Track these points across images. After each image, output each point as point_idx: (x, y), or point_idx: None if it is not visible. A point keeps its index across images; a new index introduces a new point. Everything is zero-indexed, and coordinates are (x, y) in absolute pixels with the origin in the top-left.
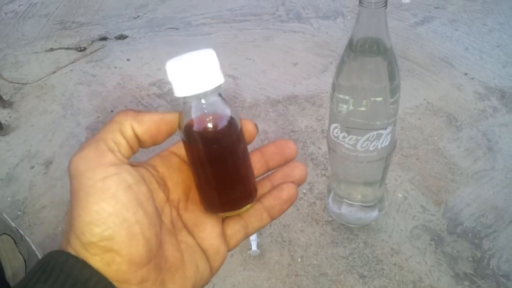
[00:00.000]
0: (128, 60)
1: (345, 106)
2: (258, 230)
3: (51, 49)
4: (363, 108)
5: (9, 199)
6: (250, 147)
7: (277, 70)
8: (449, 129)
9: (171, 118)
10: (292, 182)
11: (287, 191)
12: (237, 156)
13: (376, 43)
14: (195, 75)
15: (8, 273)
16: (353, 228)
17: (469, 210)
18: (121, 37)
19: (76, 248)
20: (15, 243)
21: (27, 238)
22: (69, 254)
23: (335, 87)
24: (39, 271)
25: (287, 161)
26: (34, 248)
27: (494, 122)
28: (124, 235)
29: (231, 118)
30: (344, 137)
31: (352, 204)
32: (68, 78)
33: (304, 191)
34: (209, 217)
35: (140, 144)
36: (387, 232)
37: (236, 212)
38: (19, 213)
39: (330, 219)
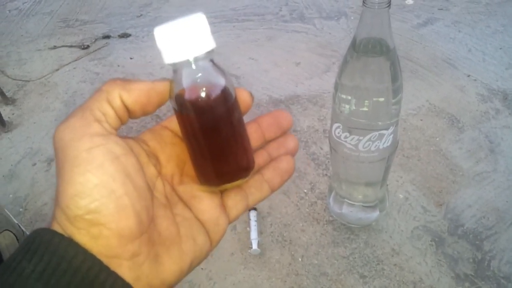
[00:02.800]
0: (131, 58)
1: (347, 106)
2: (259, 202)
3: (54, 47)
4: (365, 108)
5: (11, 195)
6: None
7: (280, 70)
8: (451, 130)
9: (162, 86)
10: (288, 153)
11: (286, 162)
12: (231, 125)
13: (379, 43)
14: (184, 39)
15: None
16: (354, 228)
17: (470, 212)
18: (125, 35)
19: (62, 224)
20: (17, 239)
21: None
22: (54, 232)
23: (337, 87)
24: (24, 250)
25: (283, 132)
26: None
27: (497, 124)
28: (112, 207)
29: (225, 86)
30: (346, 137)
31: (353, 204)
32: (71, 76)
33: (305, 190)
34: (206, 189)
35: (129, 114)
36: (388, 233)
37: (234, 184)
38: (21, 209)
39: (331, 219)
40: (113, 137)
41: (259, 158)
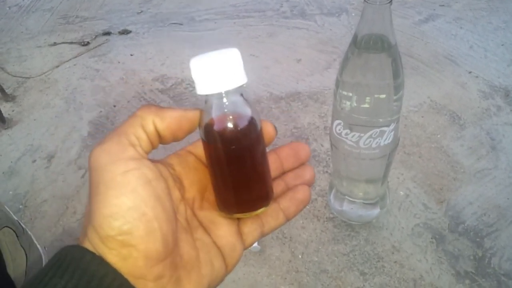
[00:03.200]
0: (131, 55)
1: (348, 103)
2: (274, 230)
3: (55, 44)
4: (366, 105)
5: (11, 192)
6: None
7: (281, 67)
8: (452, 127)
9: (192, 115)
10: (304, 183)
11: (303, 192)
12: (255, 157)
13: (381, 40)
14: (218, 73)
15: (10, 265)
16: (354, 225)
17: (471, 209)
18: (125, 32)
19: (94, 242)
20: (17, 236)
21: (29, 232)
22: (86, 250)
23: (338, 83)
24: (55, 266)
25: (301, 163)
26: (35, 242)
27: (498, 121)
28: (142, 230)
29: (252, 118)
30: (347, 134)
31: (354, 201)
32: (71, 72)
33: None
34: (225, 216)
35: (160, 140)
36: (389, 230)
37: (252, 214)
38: (21, 206)
39: (331, 216)
40: (146, 162)
41: (277, 188)
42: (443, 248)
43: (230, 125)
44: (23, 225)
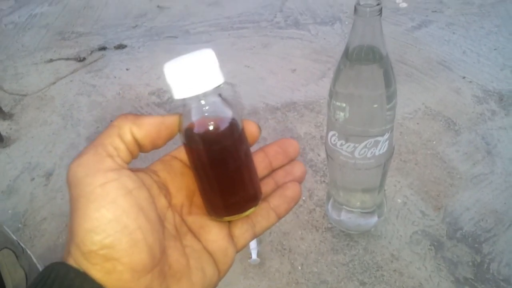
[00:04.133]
0: (127, 69)
1: (342, 114)
2: (266, 230)
3: (51, 60)
4: (360, 116)
5: (10, 211)
6: (252, 148)
7: (276, 77)
8: (447, 133)
9: (171, 121)
10: (294, 180)
11: (292, 189)
12: (239, 158)
13: (372, 51)
14: (193, 76)
15: (9, 286)
16: (353, 235)
17: (468, 215)
18: (120, 46)
19: (77, 258)
20: (16, 256)
21: (28, 251)
22: (70, 267)
23: (332, 94)
24: (40, 284)
25: (290, 160)
26: (35, 261)
27: (493, 125)
28: (125, 242)
29: (232, 119)
30: (341, 145)
31: (352, 210)
32: (68, 88)
33: (303, 198)
34: (214, 220)
35: (140, 148)
36: (387, 238)
37: (241, 215)
38: (20, 225)
39: (330, 226)
40: (126, 171)
41: (266, 187)
42: (441, 255)
43: (210, 127)
44: (22, 245)
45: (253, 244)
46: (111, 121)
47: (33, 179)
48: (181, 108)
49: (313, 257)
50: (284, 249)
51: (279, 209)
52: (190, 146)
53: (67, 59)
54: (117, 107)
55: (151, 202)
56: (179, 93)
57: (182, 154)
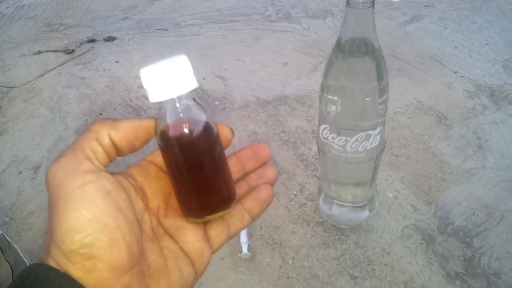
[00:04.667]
0: (117, 62)
1: (333, 107)
2: (240, 231)
3: (39, 52)
4: (351, 109)
5: None
6: (227, 151)
7: (267, 71)
8: (439, 127)
9: (147, 124)
10: (267, 183)
11: (265, 191)
12: (213, 160)
13: (364, 43)
14: (168, 80)
15: None
16: (344, 229)
17: (460, 209)
18: (110, 38)
19: (57, 258)
20: (2, 251)
21: (15, 245)
22: (50, 267)
23: (323, 88)
24: (19, 285)
25: (262, 164)
26: (21, 255)
27: (484, 120)
28: (105, 241)
29: (207, 122)
30: (333, 138)
31: (343, 204)
32: (56, 81)
33: (295, 192)
34: (190, 222)
35: (117, 151)
36: (378, 233)
37: (216, 215)
38: (7, 219)
39: (321, 220)
40: (104, 173)
41: (240, 189)
42: (433, 249)
43: (185, 130)
44: (8, 239)
45: (243, 238)
46: (100, 114)
47: (20, 172)
48: (157, 111)
49: (304, 251)
50: (275, 243)
51: (253, 211)
52: (166, 148)
53: (56, 51)
54: (107, 99)
55: (129, 203)
56: (154, 96)
57: (157, 158)
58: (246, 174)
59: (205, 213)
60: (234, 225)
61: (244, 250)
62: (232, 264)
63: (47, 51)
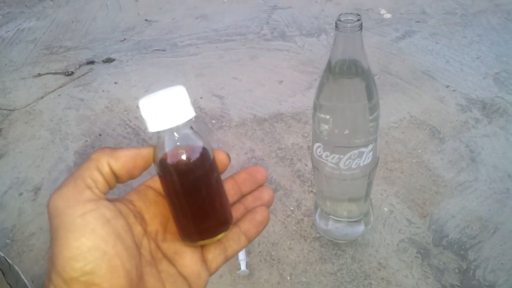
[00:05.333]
0: (115, 83)
1: (326, 126)
2: (237, 253)
3: (39, 75)
4: (343, 127)
5: None
6: (224, 174)
7: (263, 89)
8: (432, 141)
9: (146, 152)
10: (263, 205)
11: (261, 213)
12: (210, 185)
13: (354, 65)
14: (167, 110)
15: None
16: (340, 244)
17: (454, 222)
18: (108, 60)
19: (58, 285)
20: (3, 273)
21: (16, 267)
22: None
23: (316, 107)
24: None
25: (258, 186)
26: (22, 277)
27: (476, 133)
28: (105, 268)
29: (203, 149)
30: (327, 156)
31: (339, 220)
32: (56, 103)
33: (291, 208)
34: (188, 245)
35: (116, 179)
36: (374, 247)
37: (213, 240)
38: (8, 241)
39: (318, 235)
40: (104, 202)
41: (237, 212)
42: (428, 262)
43: (182, 157)
44: (9, 261)
45: (241, 255)
46: (99, 135)
47: (21, 194)
48: (156, 140)
49: (301, 267)
50: (273, 259)
51: (249, 233)
52: (164, 175)
53: (55, 73)
54: (106, 120)
55: (128, 230)
56: (153, 126)
57: (155, 183)
58: (242, 196)
59: (202, 237)
60: (231, 248)
61: (243, 267)
62: (231, 281)
63: (47, 73)
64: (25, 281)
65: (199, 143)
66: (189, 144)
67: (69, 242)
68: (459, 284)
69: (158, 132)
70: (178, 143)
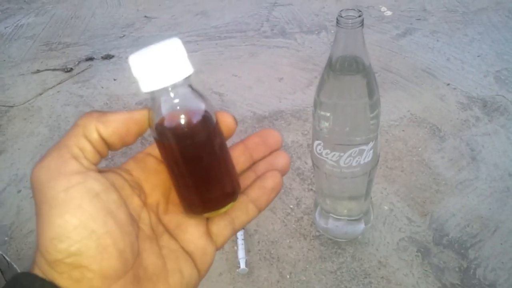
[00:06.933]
0: (114, 79)
1: (326, 123)
2: (246, 224)
3: (38, 71)
4: (344, 125)
5: None
6: (233, 140)
7: (263, 86)
8: (433, 139)
9: (140, 116)
10: (276, 170)
11: (272, 179)
12: (214, 152)
13: (355, 61)
14: (161, 67)
15: None
16: (340, 242)
17: (454, 221)
18: (108, 57)
19: (43, 268)
20: (1, 271)
21: (14, 265)
22: (35, 276)
23: (316, 104)
24: None
25: (272, 151)
26: None
27: (477, 131)
28: (94, 248)
29: (205, 111)
30: (327, 154)
31: (339, 218)
32: (55, 99)
33: (291, 206)
34: (192, 217)
35: (108, 146)
36: (374, 245)
37: (219, 211)
38: (6, 238)
39: (317, 233)
40: (92, 174)
41: (247, 180)
42: (428, 261)
43: (182, 121)
44: (7, 259)
45: (241, 254)
46: None
47: (19, 191)
48: (150, 101)
49: (301, 265)
50: (273, 258)
51: (259, 202)
52: (162, 141)
53: (54, 69)
54: None
55: (121, 204)
56: (146, 85)
57: (156, 150)
58: (254, 163)
59: (206, 208)
60: (239, 219)
61: (242, 265)
62: (230, 279)
63: (46, 69)
64: None
65: (200, 104)
66: (188, 105)
67: (52, 220)
68: (459, 283)
69: (152, 93)
70: (176, 105)
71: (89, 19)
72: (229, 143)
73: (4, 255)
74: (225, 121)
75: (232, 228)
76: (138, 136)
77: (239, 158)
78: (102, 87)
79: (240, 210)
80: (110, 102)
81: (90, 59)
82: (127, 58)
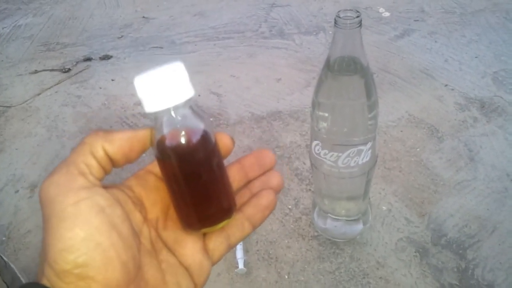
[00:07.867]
0: (112, 80)
1: (324, 124)
2: (241, 240)
3: (36, 71)
4: (342, 125)
5: None
6: (230, 159)
7: (261, 86)
8: (431, 140)
9: (143, 135)
10: (270, 188)
11: (266, 197)
12: (212, 170)
13: (353, 62)
14: (164, 89)
15: None
16: (339, 243)
17: (452, 221)
18: (106, 57)
19: (50, 278)
20: None
21: (11, 265)
22: (43, 286)
23: (314, 105)
24: None
25: (266, 171)
26: (18, 275)
27: (475, 132)
28: (99, 260)
29: (204, 131)
30: (325, 154)
31: (337, 218)
32: (52, 100)
33: (289, 206)
34: (189, 233)
35: (112, 163)
36: (373, 246)
37: (215, 227)
38: (4, 238)
39: (316, 234)
40: (98, 189)
41: (242, 198)
42: (427, 261)
43: (182, 140)
44: (5, 259)
45: (239, 254)
46: None
47: (17, 191)
48: (153, 121)
49: (299, 265)
50: (271, 258)
51: (254, 219)
52: (163, 159)
53: (52, 70)
54: (103, 118)
55: (125, 218)
56: (150, 106)
57: (156, 168)
58: (249, 182)
59: (203, 224)
60: (234, 235)
61: (240, 265)
62: (229, 279)
63: (44, 70)
64: (21, 279)
65: (200, 125)
66: (188, 125)
67: (61, 232)
68: (457, 283)
69: (155, 113)
70: (177, 125)
71: (87, 20)
72: (225, 161)
73: (2, 255)
74: (223, 141)
75: (228, 244)
76: (141, 153)
77: (235, 176)
78: (100, 88)
79: (235, 227)
80: (108, 103)
81: (88, 59)
82: (125, 58)
